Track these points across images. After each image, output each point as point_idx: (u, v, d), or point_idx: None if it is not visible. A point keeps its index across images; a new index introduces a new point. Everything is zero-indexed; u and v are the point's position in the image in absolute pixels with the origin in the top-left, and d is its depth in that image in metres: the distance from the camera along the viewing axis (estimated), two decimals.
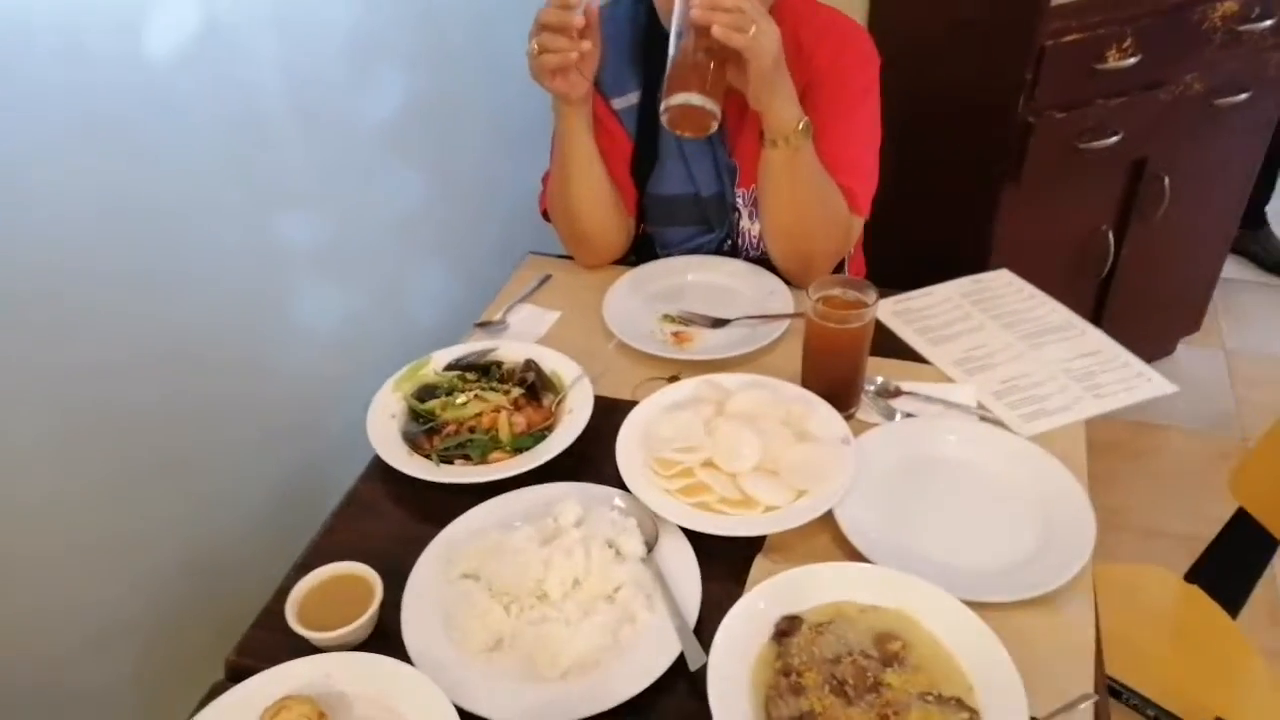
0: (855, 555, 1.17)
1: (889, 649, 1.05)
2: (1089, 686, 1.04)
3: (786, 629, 1.08)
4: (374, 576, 1.14)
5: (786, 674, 1.03)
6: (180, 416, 1.42)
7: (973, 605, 1.07)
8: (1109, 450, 2.75)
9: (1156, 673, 1.43)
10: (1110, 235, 2.60)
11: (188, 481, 1.41)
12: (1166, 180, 2.53)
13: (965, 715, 0.98)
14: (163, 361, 1.41)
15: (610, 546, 1.16)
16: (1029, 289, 1.66)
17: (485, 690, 1.04)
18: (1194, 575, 1.65)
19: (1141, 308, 2.84)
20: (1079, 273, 2.67)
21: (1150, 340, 2.99)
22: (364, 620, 1.09)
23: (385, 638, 1.13)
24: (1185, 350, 3.17)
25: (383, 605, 1.14)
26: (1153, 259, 2.74)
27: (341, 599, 1.12)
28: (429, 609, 1.13)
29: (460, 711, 1.00)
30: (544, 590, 1.10)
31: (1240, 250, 3.55)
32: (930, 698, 1.00)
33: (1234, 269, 3.44)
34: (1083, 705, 0.98)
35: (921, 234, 2.49)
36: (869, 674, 1.02)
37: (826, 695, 1.01)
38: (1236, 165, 2.77)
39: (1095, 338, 1.53)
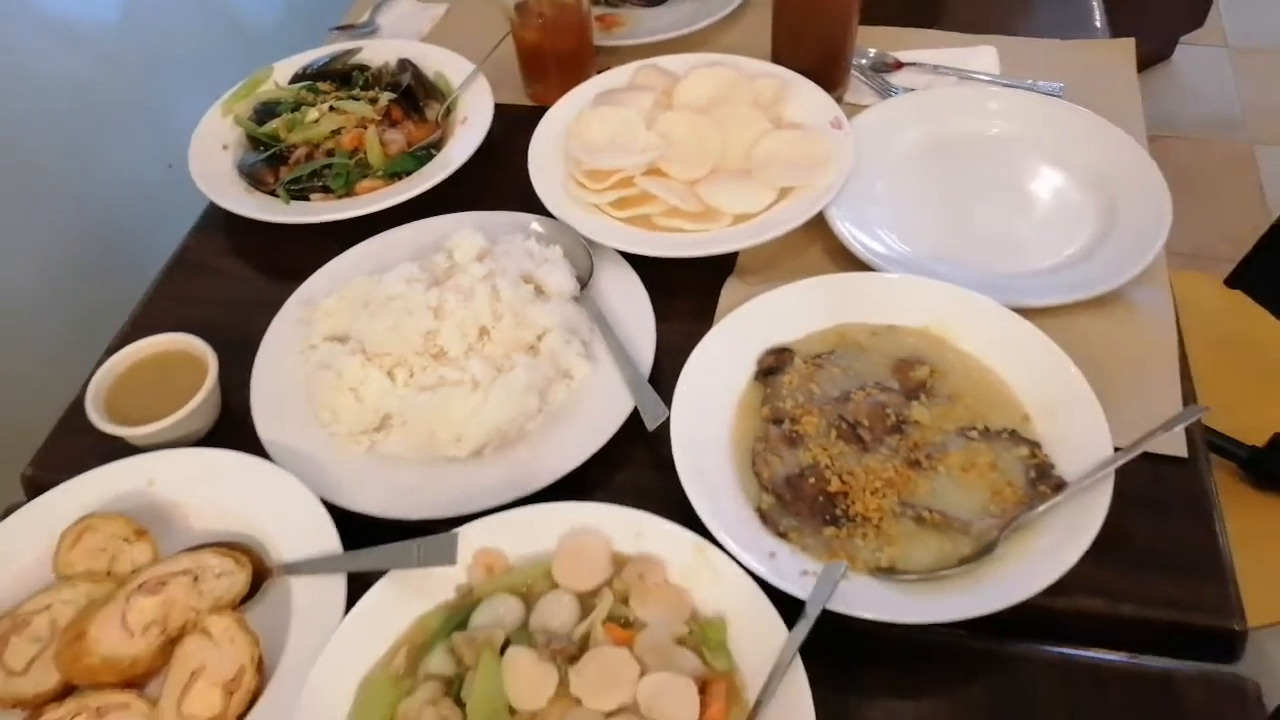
0: (859, 269, 0.87)
1: (914, 377, 0.78)
2: (1177, 402, 0.78)
3: (774, 365, 0.79)
4: (206, 351, 0.83)
5: (778, 421, 0.76)
6: None
7: (1021, 313, 0.79)
8: None
9: (1204, 391, 1.20)
10: None
11: None
12: None
13: (1023, 450, 0.72)
14: None
15: (528, 283, 0.85)
16: None
17: (369, 483, 0.76)
18: (1235, 280, 1.41)
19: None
20: None
21: (1148, 39, 2.63)
22: (193, 407, 0.79)
23: (229, 430, 0.83)
24: (1185, 52, 2.80)
25: (225, 388, 0.84)
26: None
27: (165, 385, 0.82)
28: (287, 388, 0.83)
29: (339, 512, 0.73)
30: (439, 346, 0.80)
31: None
32: (974, 433, 0.74)
33: None
34: (1179, 427, 0.73)
35: None
36: (889, 411, 0.75)
37: (834, 442, 0.74)
38: None
39: None
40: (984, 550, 0.67)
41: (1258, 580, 1.09)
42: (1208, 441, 1.17)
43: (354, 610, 0.66)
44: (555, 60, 1.08)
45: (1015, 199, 0.94)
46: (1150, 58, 2.75)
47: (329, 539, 0.71)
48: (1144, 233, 0.87)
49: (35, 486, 0.80)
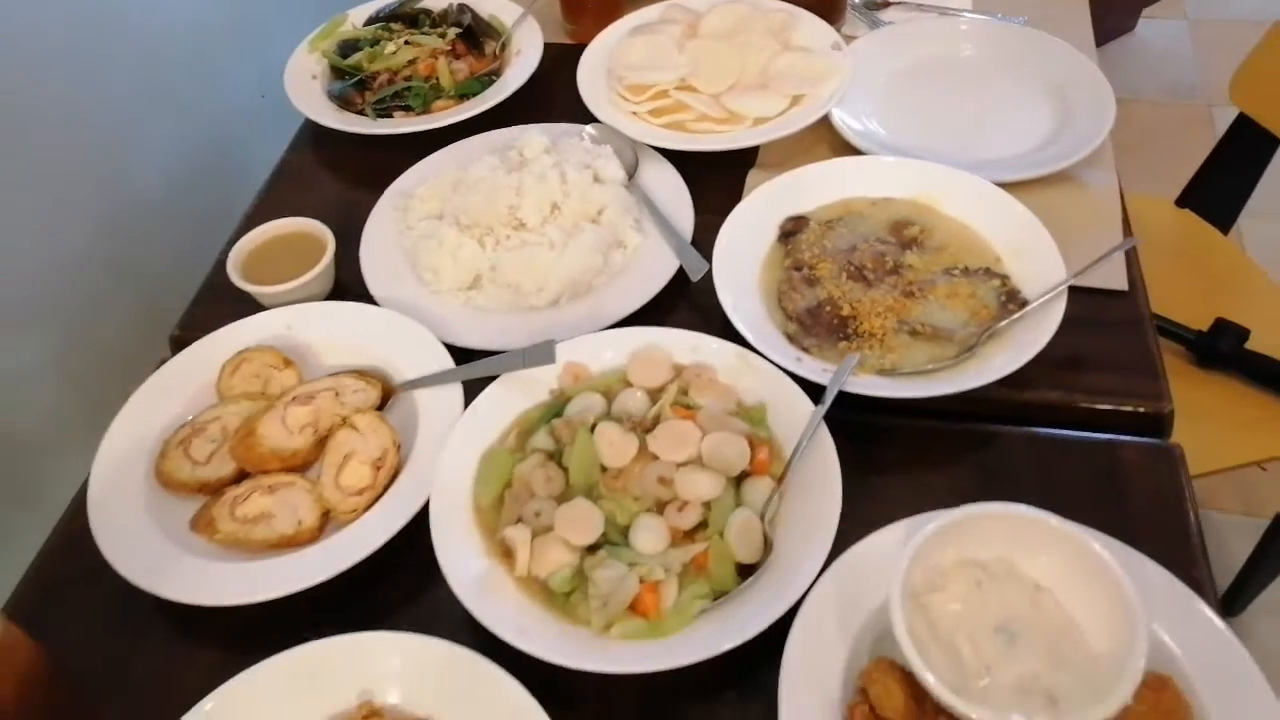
0: None
1: (907, 234, 0.96)
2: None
3: (793, 228, 0.97)
4: (324, 230, 1.00)
5: (798, 268, 0.94)
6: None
7: None
8: None
9: (1156, 292, 1.38)
10: None
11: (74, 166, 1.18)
12: None
13: (996, 282, 0.90)
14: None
15: (587, 169, 1.02)
16: None
17: (469, 324, 0.93)
18: (1184, 200, 1.60)
19: None
20: None
21: (1115, 12, 2.84)
22: (319, 270, 0.96)
23: (346, 293, 1.00)
24: (1148, 24, 3.01)
25: (339, 263, 1.01)
26: None
27: (289, 259, 0.98)
28: (393, 256, 1.00)
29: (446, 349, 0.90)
30: (519, 218, 0.97)
31: None
32: (956, 271, 0.92)
33: None
34: (1117, 254, 0.91)
35: None
36: (888, 258, 0.93)
37: (844, 282, 0.92)
38: None
39: None
40: (965, 352, 0.85)
41: (1195, 438, 1.29)
42: (1158, 327, 1.38)
43: (472, 405, 0.83)
44: (592, 3, 1.26)
45: (987, 104, 1.13)
46: (1116, 30, 2.96)
47: (443, 361, 0.88)
48: (1093, 126, 1.05)
49: (180, 344, 0.96)
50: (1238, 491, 1.91)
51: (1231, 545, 1.76)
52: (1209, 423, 1.30)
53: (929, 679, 0.61)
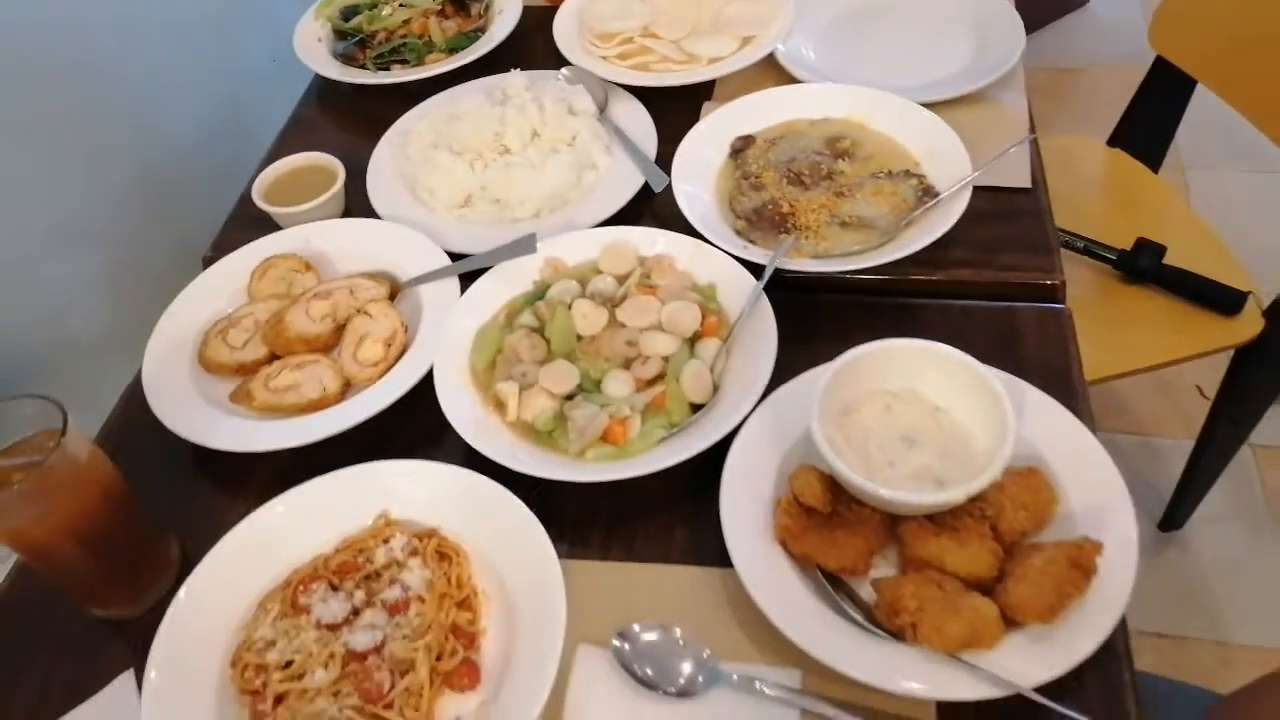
0: None
1: (839, 147, 1.11)
2: (1026, 154, 1.11)
3: (742, 146, 1.12)
4: (335, 162, 1.15)
5: (746, 177, 1.08)
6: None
7: None
8: (1032, 94, 2.79)
9: (1087, 219, 1.53)
10: None
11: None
12: None
13: (914, 181, 1.05)
14: None
15: (562, 102, 1.17)
16: None
17: (462, 236, 1.08)
18: (1115, 140, 1.75)
19: None
20: None
21: None
22: (332, 193, 1.11)
23: (355, 215, 1.15)
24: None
25: (347, 195, 1.16)
26: None
27: (305, 188, 1.13)
28: (395, 184, 1.15)
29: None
30: (504, 144, 1.12)
31: None
32: (881, 175, 1.07)
33: None
34: (1014, 149, 1.06)
35: None
36: (822, 166, 1.08)
37: (785, 187, 1.07)
38: None
39: None
40: (887, 238, 1.00)
41: (1122, 343, 1.43)
42: (1085, 248, 1.52)
43: (467, 292, 0.98)
44: None
45: (912, 39, 1.28)
46: (1070, 4, 3.11)
47: (441, 263, 1.03)
48: (1004, 54, 1.20)
49: (211, 264, 1.11)
50: (1182, 419, 2.06)
51: (1177, 469, 1.89)
52: (1133, 329, 1.45)
53: (838, 465, 0.75)
